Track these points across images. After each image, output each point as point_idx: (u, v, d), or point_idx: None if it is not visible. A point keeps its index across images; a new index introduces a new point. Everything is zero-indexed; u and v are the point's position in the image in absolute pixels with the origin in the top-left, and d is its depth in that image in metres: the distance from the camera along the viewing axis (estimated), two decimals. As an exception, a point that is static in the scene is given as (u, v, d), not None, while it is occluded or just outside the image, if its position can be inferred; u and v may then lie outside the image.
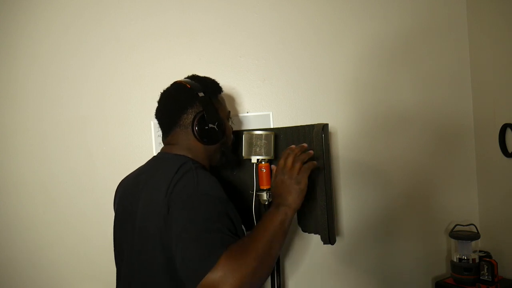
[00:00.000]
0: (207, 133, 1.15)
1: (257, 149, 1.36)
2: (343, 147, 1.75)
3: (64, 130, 1.72)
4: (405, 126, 1.78)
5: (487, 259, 1.58)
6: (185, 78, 1.25)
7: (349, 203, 1.77)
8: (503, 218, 1.68)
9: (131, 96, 1.73)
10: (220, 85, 1.28)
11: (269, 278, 1.48)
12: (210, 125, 1.15)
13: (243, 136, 1.40)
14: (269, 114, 1.73)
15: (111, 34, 1.72)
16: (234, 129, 1.36)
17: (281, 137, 1.49)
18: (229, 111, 1.30)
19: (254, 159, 1.36)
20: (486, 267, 1.57)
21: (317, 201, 1.34)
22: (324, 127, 1.30)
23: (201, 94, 1.16)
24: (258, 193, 1.39)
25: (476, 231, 1.68)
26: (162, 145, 1.75)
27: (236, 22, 1.73)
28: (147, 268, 1.03)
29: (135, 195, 1.12)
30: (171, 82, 1.69)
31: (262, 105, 1.74)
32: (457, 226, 1.71)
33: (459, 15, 1.80)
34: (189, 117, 1.16)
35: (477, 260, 1.60)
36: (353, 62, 1.76)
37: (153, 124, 1.72)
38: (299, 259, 1.75)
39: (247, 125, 1.71)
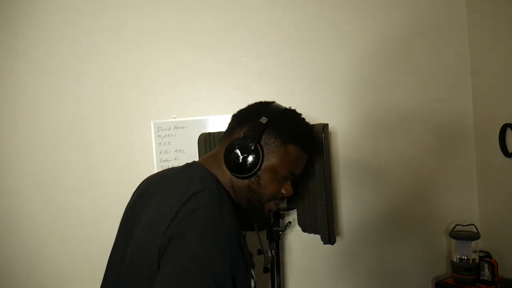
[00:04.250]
0: (231, 157, 0.99)
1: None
2: (343, 147, 1.75)
3: (64, 130, 1.72)
4: (405, 126, 1.78)
5: (487, 259, 1.58)
6: (279, 104, 1.08)
7: (349, 203, 1.76)
8: (503, 218, 1.67)
9: (131, 97, 1.73)
10: (309, 146, 1.07)
11: (269, 278, 1.48)
12: (236, 152, 0.98)
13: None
14: (269, 114, 1.72)
15: (111, 35, 1.72)
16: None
17: (281, 137, 1.48)
18: (292, 173, 1.04)
19: (254, 159, 1.36)
20: (486, 267, 1.57)
21: (317, 201, 1.34)
22: (324, 127, 1.30)
23: (262, 120, 0.99)
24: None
25: (476, 231, 1.68)
26: (161, 146, 1.74)
27: (236, 22, 1.73)
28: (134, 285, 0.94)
29: (147, 202, 1.01)
30: (171, 82, 1.70)
31: (262, 105, 1.74)
32: (457, 226, 1.71)
33: (459, 15, 1.80)
34: (236, 132, 1.02)
35: (477, 260, 1.60)
36: (353, 62, 1.76)
37: (153, 124, 1.72)
38: (299, 259, 1.75)
39: (247, 125, 1.70)
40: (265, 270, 1.42)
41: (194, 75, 1.73)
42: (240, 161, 0.97)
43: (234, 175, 0.99)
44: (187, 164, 1.07)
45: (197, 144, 1.50)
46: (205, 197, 0.91)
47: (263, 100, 1.08)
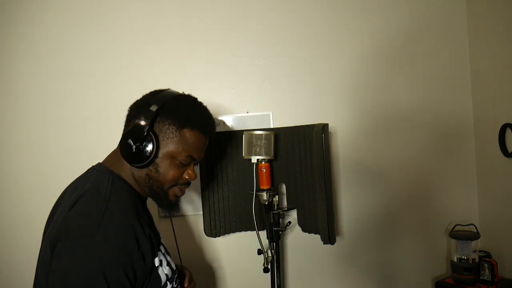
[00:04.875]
0: (126, 148, 1.00)
1: (257, 149, 1.36)
2: (343, 147, 1.76)
3: (65, 131, 1.72)
4: (405, 126, 1.78)
5: (487, 259, 1.58)
6: (172, 91, 1.11)
7: (349, 203, 1.77)
8: (503, 218, 1.68)
9: (132, 97, 1.72)
10: (206, 128, 1.06)
11: (269, 278, 1.48)
12: (129, 142, 0.99)
13: (243, 136, 1.40)
14: (269, 114, 1.73)
15: (113, 36, 1.72)
16: (233, 129, 1.34)
17: (281, 137, 1.49)
18: (192, 157, 1.03)
19: (254, 159, 1.37)
20: (486, 267, 1.57)
21: (317, 201, 1.34)
22: (324, 127, 1.30)
23: (152, 108, 1.00)
24: (258, 193, 1.40)
25: (476, 231, 1.68)
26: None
27: (236, 23, 1.74)
28: None
29: (55, 210, 1.03)
30: (172, 82, 1.69)
31: (262, 105, 1.74)
32: (457, 226, 1.71)
33: (459, 15, 1.80)
34: (131, 123, 1.04)
35: (477, 260, 1.60)
36: (353, 62, 1.76)
37: (153, 124, 1.72)
38: (299, 259, 1.75)
39: (247, 125, 1.71)
40: (265, 270, 1.42)
41: (194, 75, 1.74)
42: (134, 150, 0.98)
43: (132, 166, 1.00)
44: (91, 167, 1.08)
45: (197, 144, 1.50)
46: (90, 197, 0.93)
47: (157, 89, 1.10)
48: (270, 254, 1.41)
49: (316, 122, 1.36)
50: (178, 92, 1.09)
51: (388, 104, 1.78)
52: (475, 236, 1.63)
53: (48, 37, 1.72)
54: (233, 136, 1.50)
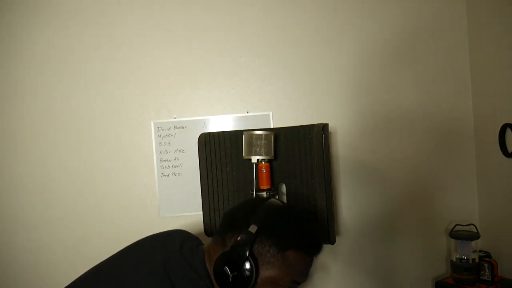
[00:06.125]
0: (220, 276, 0.86)
1: (257, 149, 1.36)
2: (343, 147, 1.76)
3: (64, 131, 1.72)
4: (405, 126, 1.78)
5: (487, 259, 1.58)
6: (273, 203, 0.94)
7: (349, 203, 1.77)
8: (503, 218, 1.68)
9: (131, 97, 1.73)
10: (313, 248, 0.93)
11: (269, 278, 1.48)
12: (225, 269, 0.84)
13: (243, 136, 1.40)
14: (269, 114, 1.73)
15: (111, 35, 1.72)
16: (233, 129, 1.34)
17: (281, 137, 1.49)
18: (297, 282, 0.90)
19: (254, 159, 1.37)
20: (486, 267, 1.57)
21: (317, 201, 1.34)
22: (324, 127, 1.30)
23: (251, 229, 0.86)
24: (258, 193, 1.40)
25: (476, 231, 1.68)
26: (161, 146, 1.75)
27: (236, 22, 1.74)
28: None
29: (138, 262, 0.92)
30: (171, 82, 1.71)
31: (262, 105, 1.74)
32: (457, 226, 1.71)
33: (459, 15, 1.80)
34: (227, 238, 0.90)
35: (477, 260, 1.60)
36: (353, 62, 1.76)
37: (153, 124, 1.72)
38: (299, 259, 1.75)
39: (247, 125, 1.71)
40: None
41: (194, 75, 1.74)
42: (231, 280, 0.84)
43: None
44: (193, 251, 0.94)
45: (197, 144, 1.50)
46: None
47: (257, 196, 1.01)
48: (270, 254, 1.41)
49: (316, 122, 1.36)
50: (279, 204, 0.95)
51: (388, 104, 1.78)
52: (475, 236, 1.63)
53: (44, 36, 1.72)
54: (233, 136, 1.50)
